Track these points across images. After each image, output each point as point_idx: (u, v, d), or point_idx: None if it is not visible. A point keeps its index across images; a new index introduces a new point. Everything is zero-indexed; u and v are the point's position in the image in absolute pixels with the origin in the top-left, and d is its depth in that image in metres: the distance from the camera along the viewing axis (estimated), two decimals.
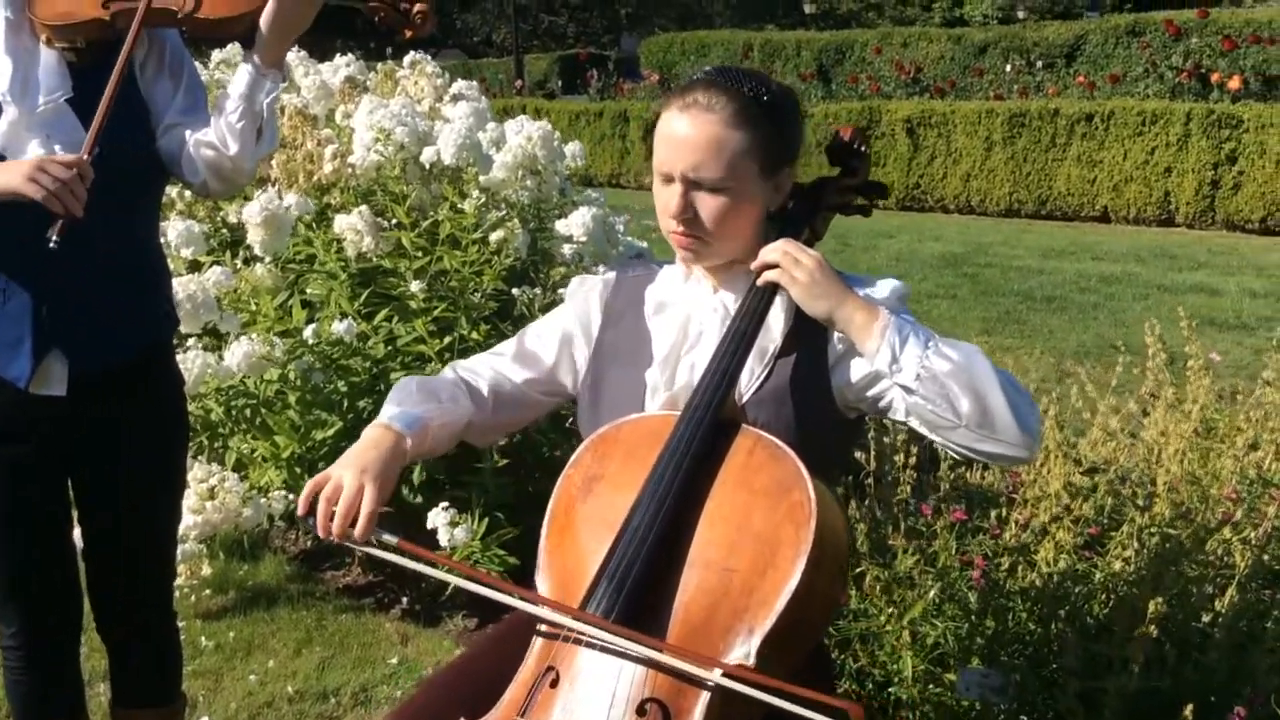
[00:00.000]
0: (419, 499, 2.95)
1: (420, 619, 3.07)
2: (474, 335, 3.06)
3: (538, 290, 3.14)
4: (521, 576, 2.30)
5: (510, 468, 3.02)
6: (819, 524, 1.40)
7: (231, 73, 1.86)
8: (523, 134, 3.38)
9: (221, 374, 2.71)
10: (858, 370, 1.57)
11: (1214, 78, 11.48)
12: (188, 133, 1.86)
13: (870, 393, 1.57)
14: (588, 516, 1.52)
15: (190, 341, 3.01)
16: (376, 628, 3.03)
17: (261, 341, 2.74)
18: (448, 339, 3.02)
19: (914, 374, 1.47)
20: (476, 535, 2.77)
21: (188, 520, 2.86)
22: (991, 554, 2.24)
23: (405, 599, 3.15)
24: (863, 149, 1.79)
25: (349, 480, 1.53)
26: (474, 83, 4.43)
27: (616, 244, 3.57)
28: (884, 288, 1.62)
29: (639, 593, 1.38)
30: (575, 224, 3.38)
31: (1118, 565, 2.25)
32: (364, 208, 2.95)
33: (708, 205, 1.58)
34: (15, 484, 1.84)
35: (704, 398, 1.55)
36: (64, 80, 1.77)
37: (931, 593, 2.14)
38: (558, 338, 1.79)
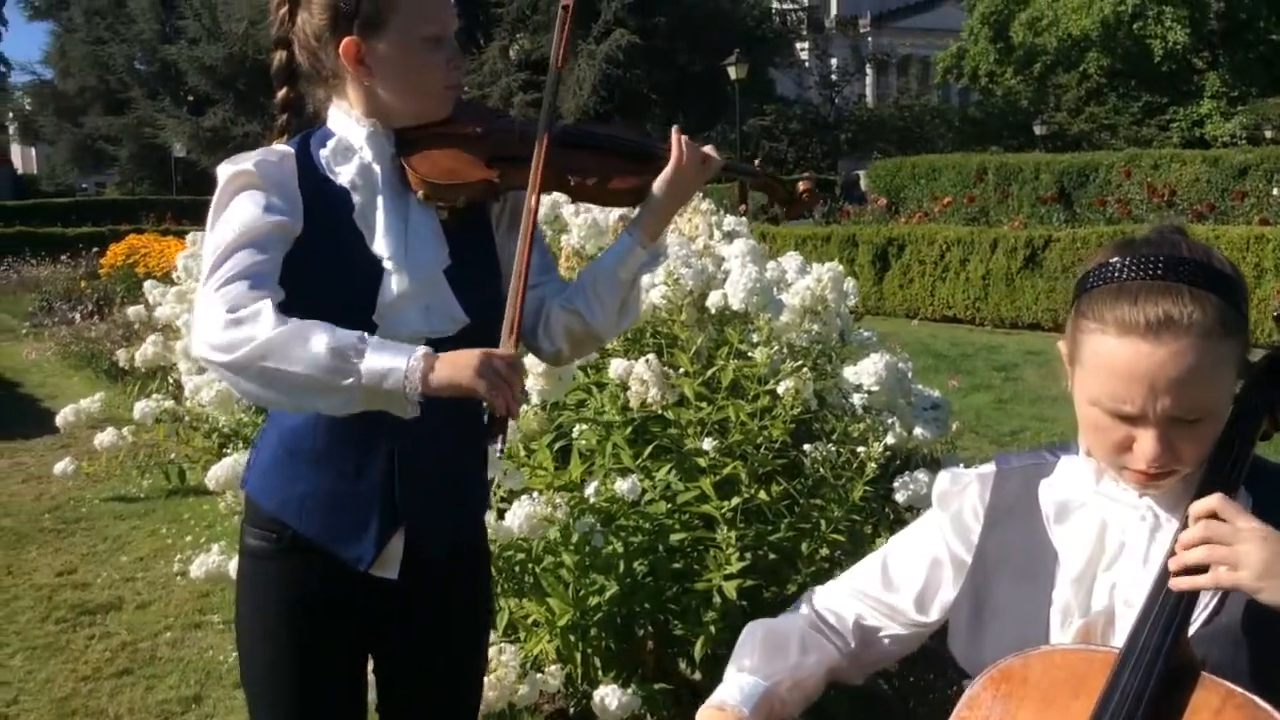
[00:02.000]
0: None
1: None
2: (762, 495, 2.79)
3: (831, 447, 2.86)
4: None
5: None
6: None
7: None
8: (811, 275, 3.15)
9: (501, 534, 2.55)
10: None
11: None
12: (547, 294, 1.74)
13: None
14: None
15: None
16: None
17: (544, 501, 2.56)
18: (734, 499, 2.76)
19: None
20: None
21: None
22: None
23: None
24: None
25: None
26: (743, 219, 4.27)
27: (909, 394, 3.26)
28: None
29: None
30: (866, 372, 3.09)
31: None
32: (651, 356, 2.77)
33: (1190, 438, 1.25)
34: (327, 660, 1.71)
35: (1153, 637, 1.21)
36: (441, 246, 1.65)
37: None
38: (929, 556, 1.49)
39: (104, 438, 5.63)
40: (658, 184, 1.69)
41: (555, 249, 3.87)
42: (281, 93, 1.71)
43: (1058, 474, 1.43)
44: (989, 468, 1.50)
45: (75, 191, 46.69)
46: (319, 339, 1.42)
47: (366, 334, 1.46)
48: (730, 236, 3.89)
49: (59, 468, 5.97)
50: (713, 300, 2.97)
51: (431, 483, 1.68)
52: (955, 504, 1.48)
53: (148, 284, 6.72)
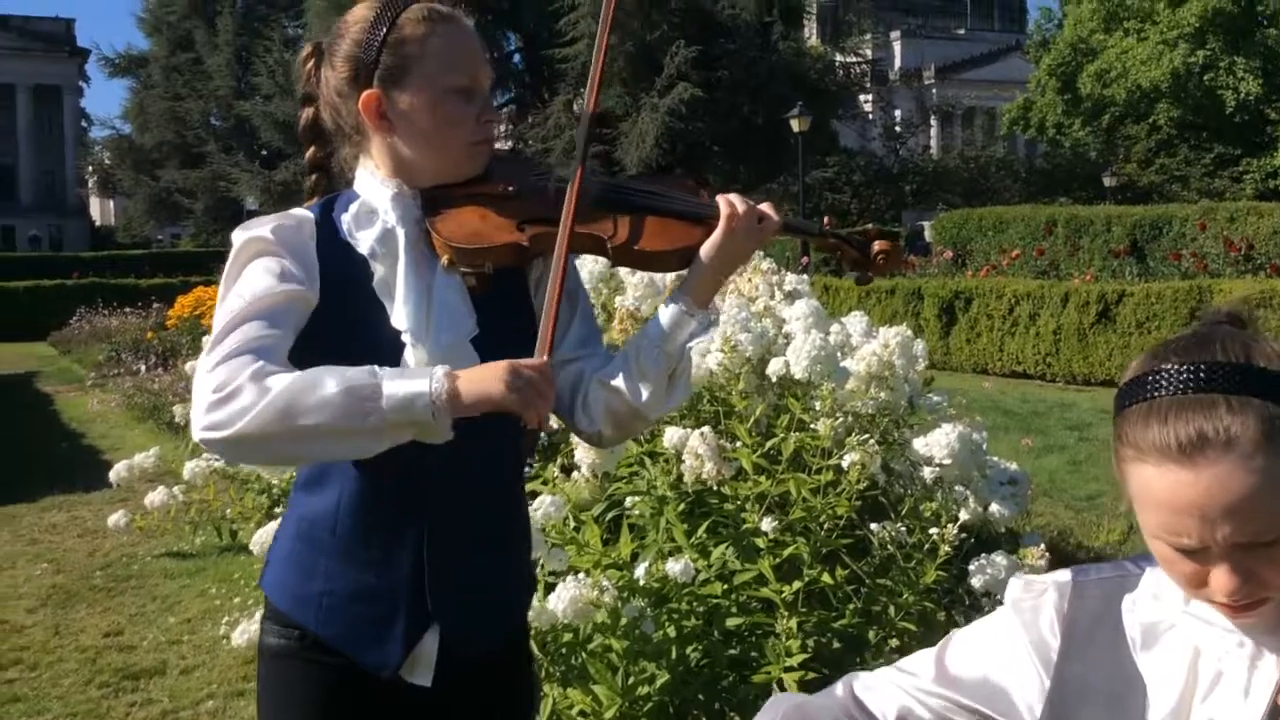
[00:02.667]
0: None
1: None
2: (826, 578, 2.60)
3: (900, 525, 2.66)
4: None
5: None
6: None
7: None
8: (878, 339, 2.97)
9: (545, 619, 2.38)
10: None
11: None
12: (586, 370, 1.58)
13: None
14: None
15: None
16: None
17: (590, 584, 2.39)
18: (796, 582, 2.57)
19: None
20: None
21: None
22: None
23: None
24: None
25: None
26: (805, 277, 4.10)
27: (983, 466, 3.05)
28: None
29: None
30: (938, 444, 2.90)
31: None
32: (706, 429, 2.60)
33: (1270, 561, 1.06)
34: None
35: None
36: (468, 314, 1.51)
37: None
38: (998, 659, 1.29)
39: (155, 496, 5.59)
40: (706, 247, 1.54)
41: (609, 307, 3.73)
42: (309, 152, 1.62)
43: (1142, 590, 1.24)
44: (1065, 576, 1.31)
45: (151, 243, 47.89)
46: (329, 384, 1.31)
47: (376, 366, 1.34)
48: (791, 297, 3.72)
49: (112, 522, 5.93)
50: (773, 368, 2.81)
51: (468, 571, 1.52)
52: (1030, 613, 1.29)
53: (206, 338, 6.71)
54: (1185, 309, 11.47)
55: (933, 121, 58.05)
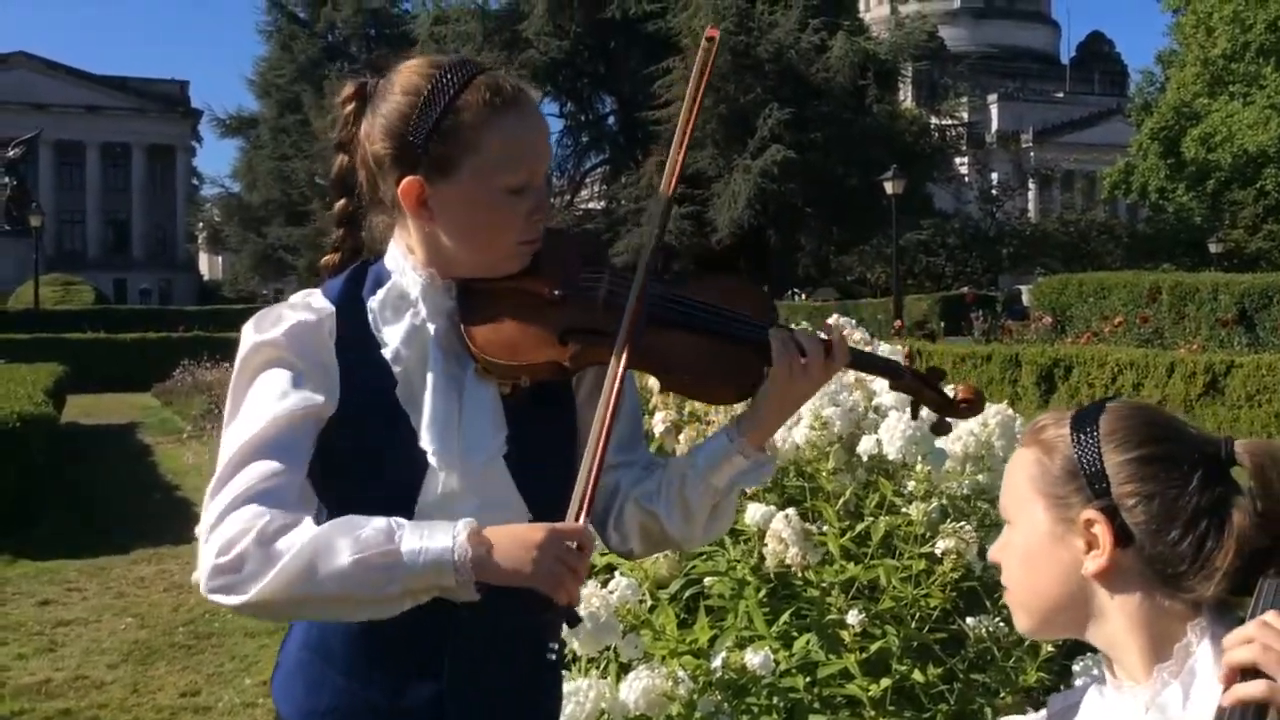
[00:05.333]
0: None
1: None
2: (917, 675, 2.43)
3: (998, 620, 2.48)
4: None
5: None
6: None
7: None
8: (977, 417, 2.80)
9: (616, 709, 2.26)
10: None
11: None
12: (623, 483, 1.43)
13: None
14: None
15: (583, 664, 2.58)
16: None
17: (665, 675, 2.26)
18: (885, 679, 2.41)
19: None
20: None
21: None
22: None
23: None
24: None
25: None
26: (897, 346, 3.95)
27: None
28: None
29: None
30: None
31: None
32: (791, 512, 2.46)
33: None
34: None
35: None
36: (499, 428, 1.37)
37: None
38: None
39: None
40: (765, 389, 1.38)
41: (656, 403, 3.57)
42: (339, 204, 1.48)
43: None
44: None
45: (256, 298, 49.28)
46: (342, 551, 1.19)
47: (394, 521, 1.22)
48: None
49: (195, 577, 5.95)
50: (864, 447, 2.66)
51: (493, 702, 1.39)
52: None
53: None
54: None
55: (1030, 185, 57.32)
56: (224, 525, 1.22)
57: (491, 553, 1.20)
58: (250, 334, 1.35)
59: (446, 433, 1.34)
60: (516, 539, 1.21)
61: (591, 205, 37.00)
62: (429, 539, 1.20)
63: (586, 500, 1.26)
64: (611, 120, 35.72)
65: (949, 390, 1.52)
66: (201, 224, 54.73)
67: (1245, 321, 14.83)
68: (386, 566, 1.19)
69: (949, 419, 1.51)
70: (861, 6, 39.34)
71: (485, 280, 1.39)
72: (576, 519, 1.25)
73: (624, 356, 1.32)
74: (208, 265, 70.93)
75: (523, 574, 1.20)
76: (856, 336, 3.65)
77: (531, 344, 1.35)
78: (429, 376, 1.36)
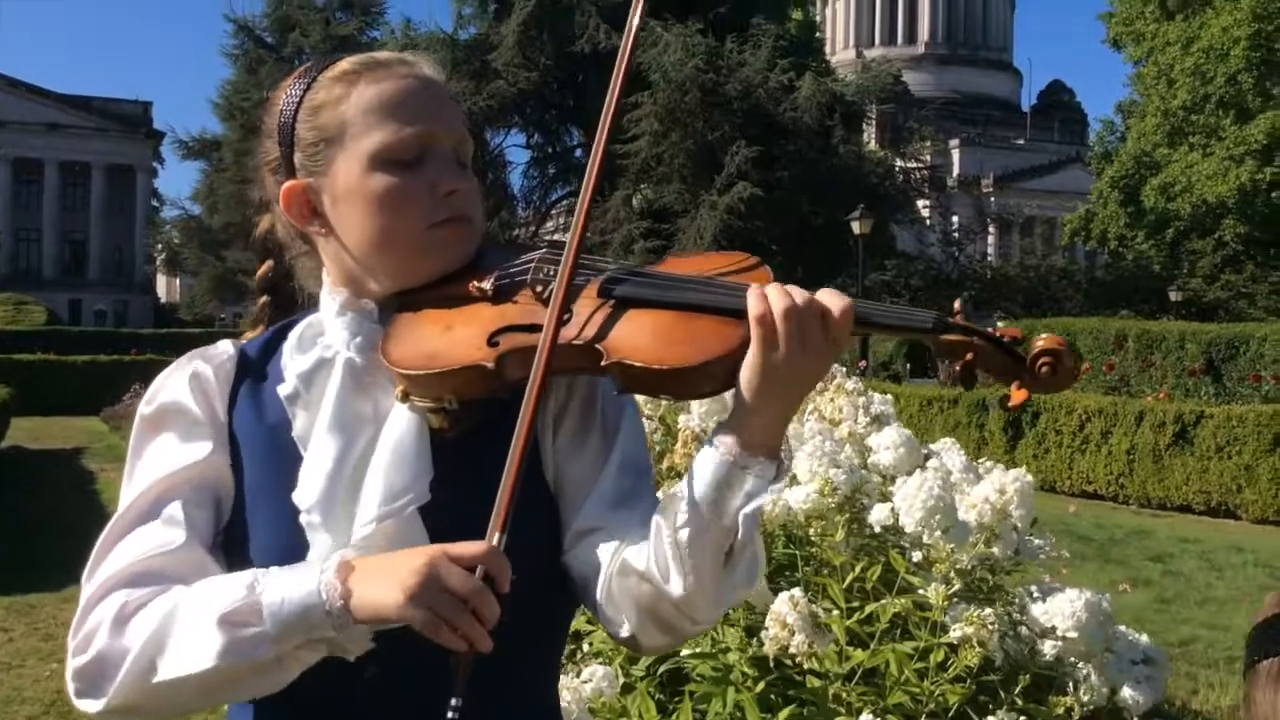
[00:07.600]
0: None
1: None
2: None
3: (1021, 718, 2.21)
4: None
5: None
6: None
7: None
8: (990, 482, 2.54)
9: None
10: None
11: None
12: (613, 547, 1.10)
13: None
14: None
15: None
16: None
17: None
18: None
19: None
20: None
21: None
22: None
23: None
24: None
25: None
26: (889, 397, 3.69)
27: (1112, 640, 2.59)
28: None
29: None
30: (1061, 613, 2.44)
31: None
32: (797, 591, 2.17)
33: None
34: None
35: None
36: (419, 474, 1.07)
37: None
38: None
39: None
40: (745, 368, 1.03)
41: (668, 421, 3.32)
42: (261, 269, 1.27)
43: None
44: None
45: (214, 321, 48.53)
46: (190, 615, 0.98)
47: (261, 570, 1.00)
48: (879, 421, 3.29)
49: None
50: (877, 517, 2.38)
51: None
52: None
53: None
54: (1270, 434, 10.85)
55: (991, 229, 57.87)
56: (89, 618, 1.04)
57: (356, 581, 0.96)
58: (145, 401, 1.18)
59: (333, 484, 1.07)
60: (388, 569, 0.96)
61: (557, 236, 36.82)
62: (293, 585, 0.96)
63: (500, 515, 0.98)
64: (579, 152, 35.59)
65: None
66: (160, 246, 54.00)
67: (1212, 371, 14.80)
68: (251, 625, 0.96)
69: (1023, 387, 1.06)
70: (828, 49, 39.72)
71: (414, 291, 1.14)
72: (492, 539, 0.97)
73: (551, 329, 1.04)
74: (165, 287, 69.93)
75: (387, 610, 0.94)
76: (849, 386, 3.38)
77: (450, 348, 1.07)
78: (324, 416, 1.10)
